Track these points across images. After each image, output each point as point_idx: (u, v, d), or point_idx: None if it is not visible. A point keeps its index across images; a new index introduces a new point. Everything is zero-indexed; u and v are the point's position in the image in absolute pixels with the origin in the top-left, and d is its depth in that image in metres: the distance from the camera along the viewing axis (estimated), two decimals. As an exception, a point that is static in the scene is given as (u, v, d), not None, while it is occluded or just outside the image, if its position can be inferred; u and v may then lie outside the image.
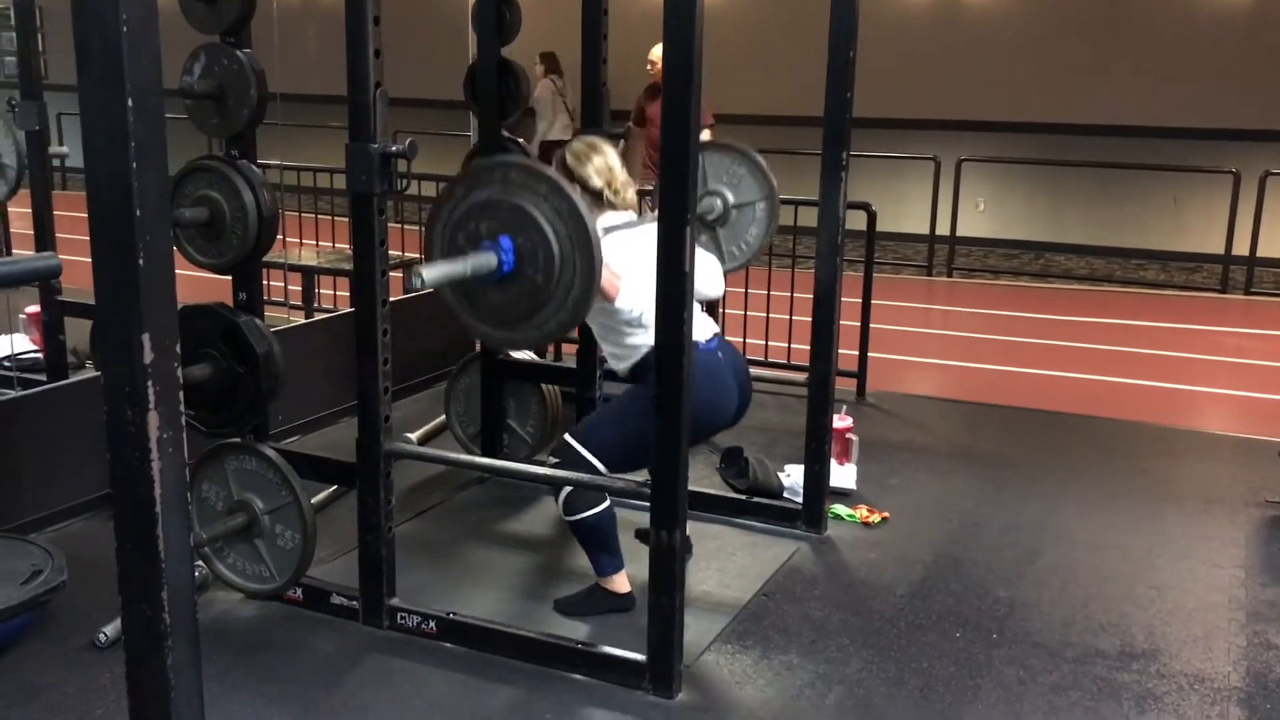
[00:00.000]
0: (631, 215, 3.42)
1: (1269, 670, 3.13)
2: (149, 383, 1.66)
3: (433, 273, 2.59)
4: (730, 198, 4.00)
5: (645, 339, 3.18)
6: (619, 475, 3.17)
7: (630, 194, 3.38)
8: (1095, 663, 3.15)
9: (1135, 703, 2.95)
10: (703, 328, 3.32)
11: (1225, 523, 4.13)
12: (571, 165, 3.33)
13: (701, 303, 3.37)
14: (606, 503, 3.21)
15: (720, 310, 5.51)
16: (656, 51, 7.04)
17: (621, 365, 3.36)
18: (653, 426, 2.80)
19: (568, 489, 3.19)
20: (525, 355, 4.62)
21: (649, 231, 3.26)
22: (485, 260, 2.69)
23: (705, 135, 7.05)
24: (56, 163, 7.36)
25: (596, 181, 3.31)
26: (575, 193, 2.69)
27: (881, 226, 5.96)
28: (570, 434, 3.28)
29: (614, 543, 3.30)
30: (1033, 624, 3.36)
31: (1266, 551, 3.91)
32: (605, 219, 3.34)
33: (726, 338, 5.81)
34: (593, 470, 3.19)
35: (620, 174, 3.37)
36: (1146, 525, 4.10)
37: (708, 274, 3.40)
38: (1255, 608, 3.49)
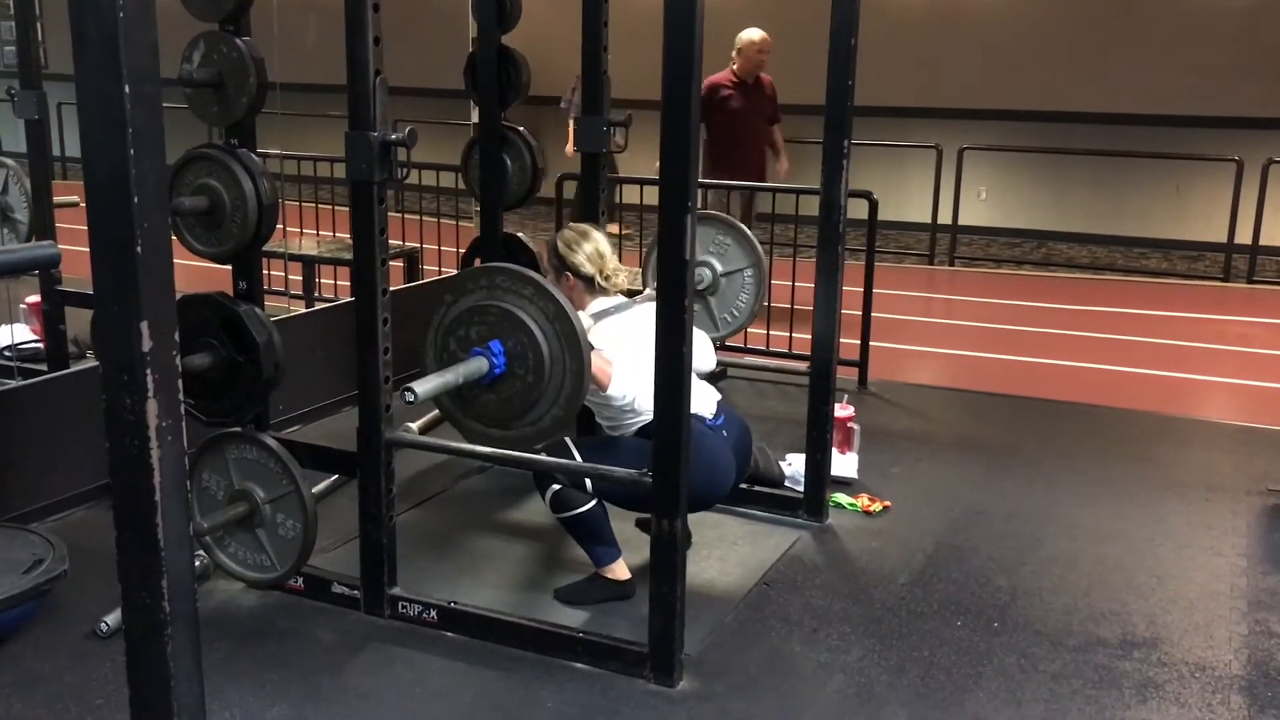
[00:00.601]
0: (621, 299, 3.47)
1: (1270, 658, 3.13)
2: (147, 371, 1.66)
3: (424, 388, 2.69)
4: (719, 267, 4.18)
5: (645, 419, 3.20)
6: (561, 493, 3.20)
7: (620, 279, 3.47)
8: (1096, 651, 3.15)
9: (1136, 691, 2.96)
10: (706, 400, 3.34)
11: (1227, 511, 4.13)
12: (563, 253, 3.42)
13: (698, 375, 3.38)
14: (594, 500, 3.22)
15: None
16: (752, 34, 6.81)
17: (627, 432, 3.35)
18: (655, 417, 2.80)
19: (555, 488, 3.20)
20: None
21: (640, 314, 3.30)
22: (476, 366, 2.79)
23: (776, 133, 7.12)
24: (56, 153, 7.37)
25: (588, 268, 3.40)
26: (560, 294, 2.78)
27: (883, 215, 5.94)
28: (569, 438, 3.30)
29: (608, 534, 3.30)
30: (1034, 612, 3.36)
31: (1268, 540, 3.90)
32: (596, 304, 3.39)
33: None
34: (582, 481, 3.22)
35: (610, 260, 3.45)
36: (1148, 514, 4.10)
37: (699, 348, 3.38)
38: (1257, 596, 3.49)
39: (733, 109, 6.81)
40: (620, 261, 3.54)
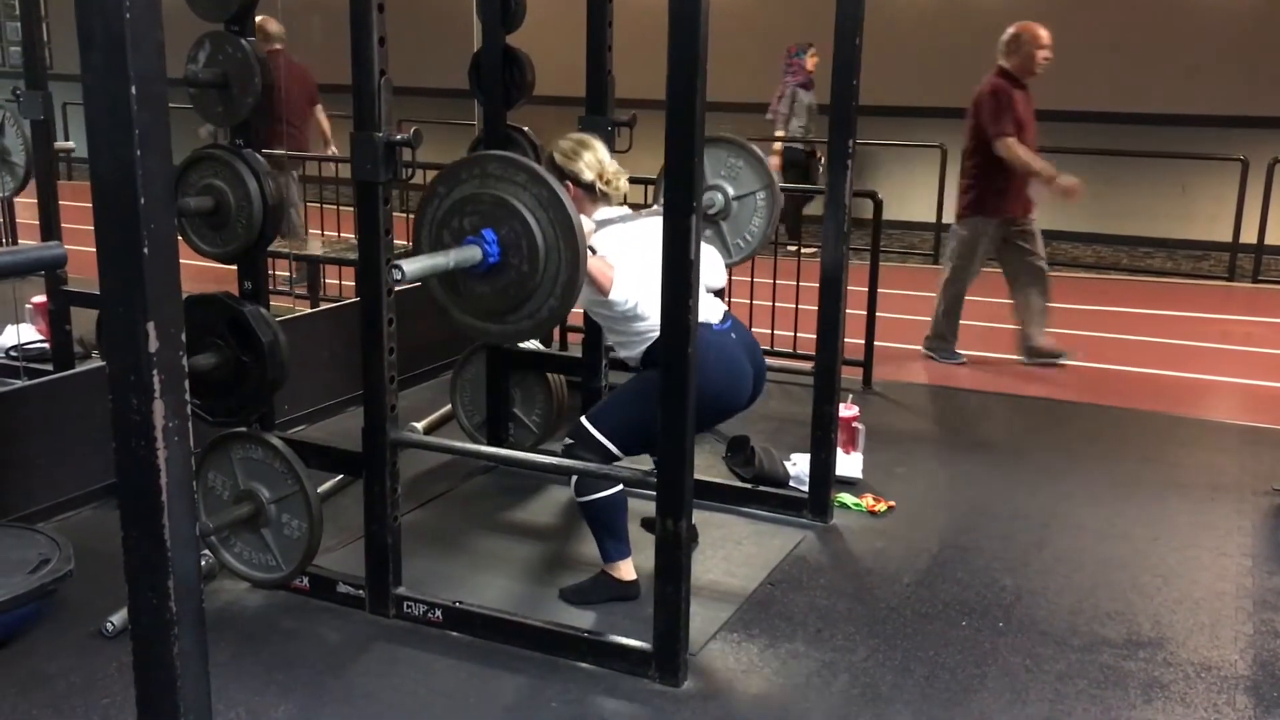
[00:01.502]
0: (627, 210, 3.43)
1: (1276, 658, 3.12)
2: (154, 371, 1.66)
3: (414, 266, 2.62)
4: (730, 190, 4.06)
5: (650, 327, 3.19)
6: (626, 464, 3.18)
7: (622, 183, 3.42)
8: (1102, 651, 3.14)
9: (1142, 691, 2.95)
10: (713, 309, 3.33)
11: (1232, 511, 4.12)
12: (561, 163, 3.38)
13: (707, 290, 3.39)
14: (618, 486, 3.22)
15: (726, 300, 5.49)
16: (1036, 27, 5.98)
17: (630, 354, 3.37)
18: (659, 415, 2.80)
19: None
20: (531, 345, 4.62)
21: (645, 223, 3.27)
22: (469, 254, 2.71)
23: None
24: (62, 154, 7.38)
25: (588, 175, 3.36)
26: (553, 179, 2.71)
27: (888, 215, 5.94)
28: (586, 417, 3.30)
29: (623, 529, 3.30)
30: (1039, 612, 3.36)
31: (1273, 540, 3.90)
32: (600, 213, 3.36)
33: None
34: (606, 451, 3.21)
35: (610, 165, 3.40)
36: (1153, 514, 4.10)
37: (709, 264, 3.41)
38: (1262, 596, 3.48)
39: (1022, 123, 5.81)
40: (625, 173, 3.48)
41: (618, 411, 3.28)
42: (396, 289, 3.10)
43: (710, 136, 4.13)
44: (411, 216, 7.17)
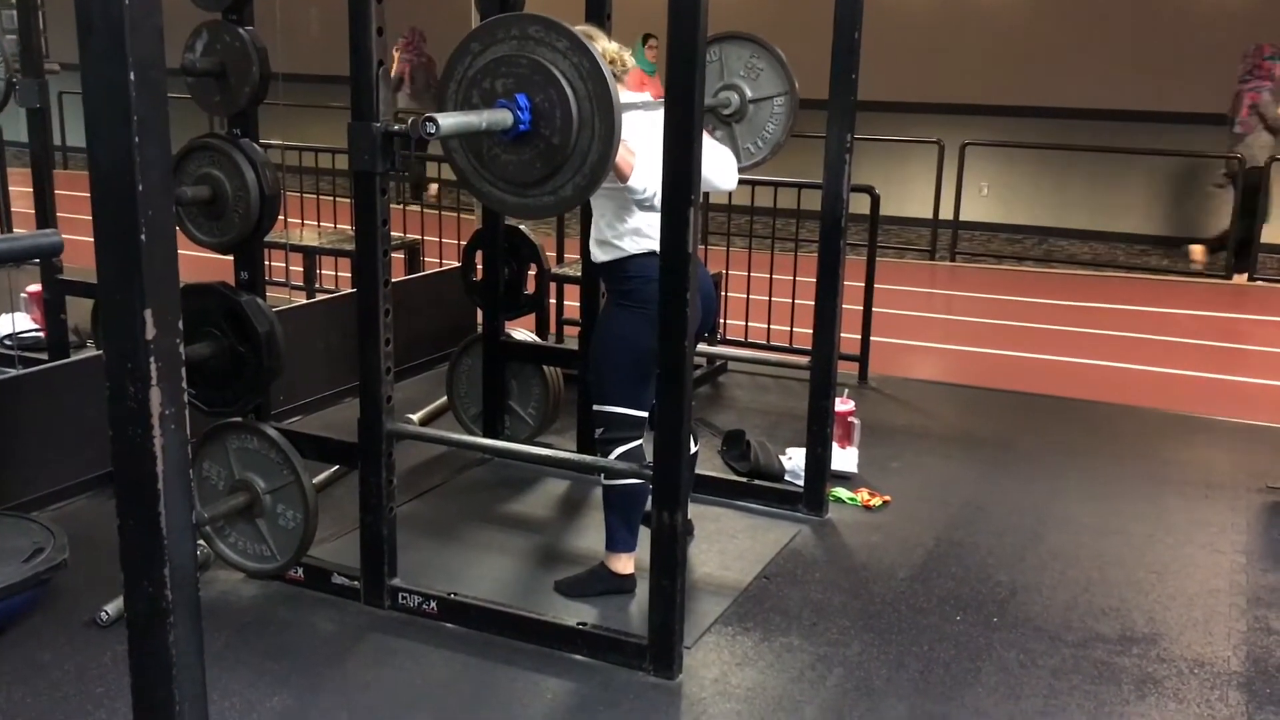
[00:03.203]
0: (646, 96, 3.35)
1: (1269, 655, 3.13)
2: (151, 359, 1.65)
3: (447, 121, 2.45)
4: (748, 92, 3.93)
5: (637, 238, 3.15)
6: (620, 461, 3.17)
7: (629, 58, 3.29)
8: (1095, 647, 3.15)
9: (1135, 687, 2.96)
10: None
11: (1226, 508, 4.13)
12: None
13: (712, 193, 3.31)
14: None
15: (723, 291, 5.49)
16: None
17: (602, 255, 3.28)
18: (658, 418, 2.79)
19: (619, 449, 3.19)
20: (527, 337, 4.61)
21: (663, 113, 3.18)
22: (500, 117, 2.56)
23: None
24: (57, 141, 7.36)
25: None
26: (598, 50, 2.57)
27: (885, 210, 5.94)
28: (594, 403, 3.29)
29: (636, 522, 3.29)
30: (1033, 608, 3.36)
31: (1267, 537, 3.91)
32: (620, 95, 3.25)
33: (729, 321, 5.81)
34: (630, 420, 3.21)
35: (613, 46, 3.25)
36: (1148, 510, 4.10)
37: (721, 165, 3.36)
38: (1256, 593, 3.49)
39: None
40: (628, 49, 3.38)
41: (610, 376, 3.24)
42: (394, 279, 3.10)
43: (732, 34, 4.03)
44: (408, 209, 7.15)
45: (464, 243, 4.59)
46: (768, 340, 5.78)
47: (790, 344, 5.68)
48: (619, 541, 3.31)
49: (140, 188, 1.60)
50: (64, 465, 3.81)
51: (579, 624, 3.07)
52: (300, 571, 3.30)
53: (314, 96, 8.27)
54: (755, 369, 5.67)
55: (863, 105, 3.80)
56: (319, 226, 6.95)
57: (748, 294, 5.74)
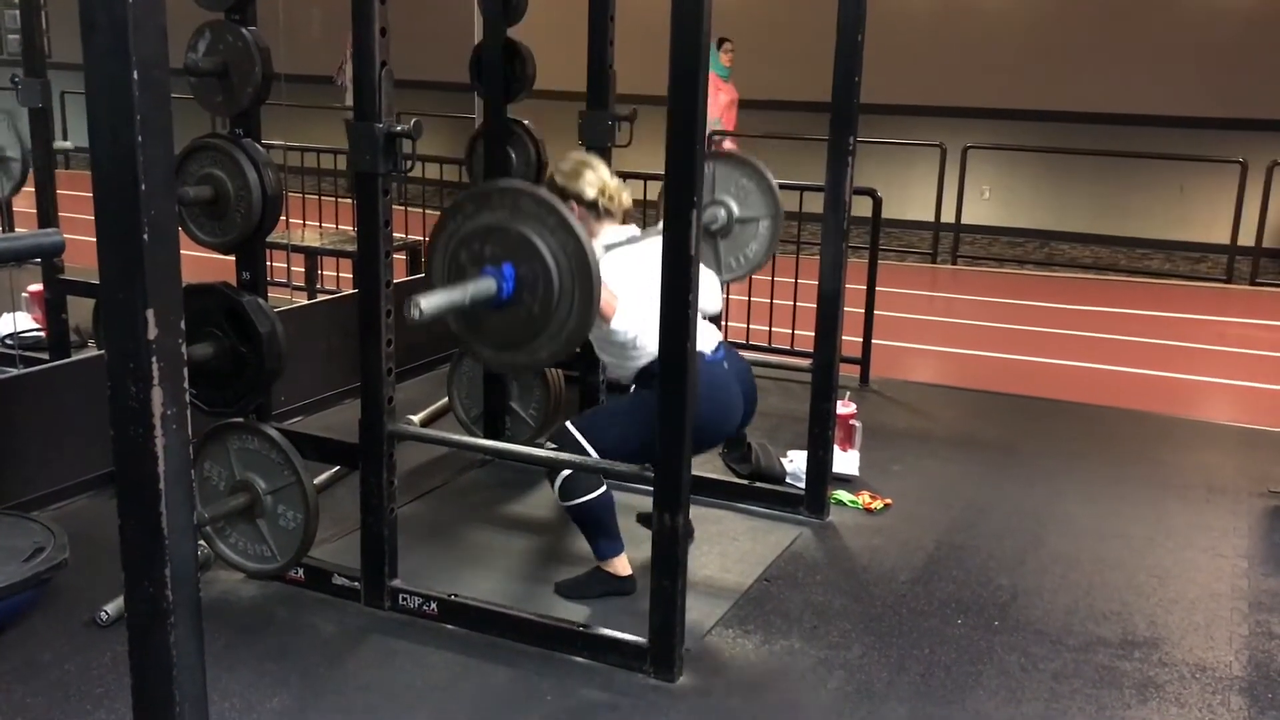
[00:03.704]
0: (634, 230, 3.44)
1: (1271, 660, 3.13)
2: (153, 358, 1.65)
3: (431, 303, 2.60)
4: (735, 210, 4.06)
5: (645, 353, 3.20)
6: (570, 481, 3.18)
7: (625, 199, 3.42)
8: (1097, 651, 3.14)
9: (1137, 691, 2.95)
10: (707, 338, 3.33)
11: (1228, 512, 4.13)
12: (563, 183, 3.38)
13: (702, 316, 3.38)
14: (603, 487, 3.22)
15: (724, 307, 5.49)
16: None
17: (622, 374, 3.37)
18: (657, 410, 2.79)
19: (564, 474, 3.20)
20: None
21: (651, 247, 3.26)
22: (485, 286, 2.72)
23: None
24: (59, 153, 7.34)
25: (591, 193, 3.36)
26: (583, 232, 2.71)
27: (887, 213, 5.94)
28: (572, 421, 3.29)
29: (613, 526, 3.30)
30: (1034, 611, 3.36)
31: (1269, 541, 3.90)
32: (606, 235, 3.37)
33: (731, 324, 5.80)
34: (586, 456, 3.21)
35: (612, 182, 3.41)
36: (1149, 514, 4.10)
37: (706, 289, 3.39)
38: (1257, 597, 3.49)
39: None
40: (627, 188, 3.48)
41: (605, 422, 3.26)
42: (396, 280, 3.10)
43: (728, 154, 4.17)
44: (410, 210, 7.15)
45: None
46: (769, 342, 5.78)
47: (792, 346, 5.67)
48: (603, 550, 3.32)
49: (143, 187, 1.59)
50: (64, 465, 3.81)
51: (579, 626, 3.07)
52: (301, 572, 3.30)
53: (316, 97, 8.28)
54: (757, 371, 5.62)
55: (865, 108, 3.80)
56: (320, 227, 6.95)
57: (749, 296, 5.74)
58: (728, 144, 9.18)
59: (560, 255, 2.69)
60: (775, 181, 4.03)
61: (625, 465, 3.05)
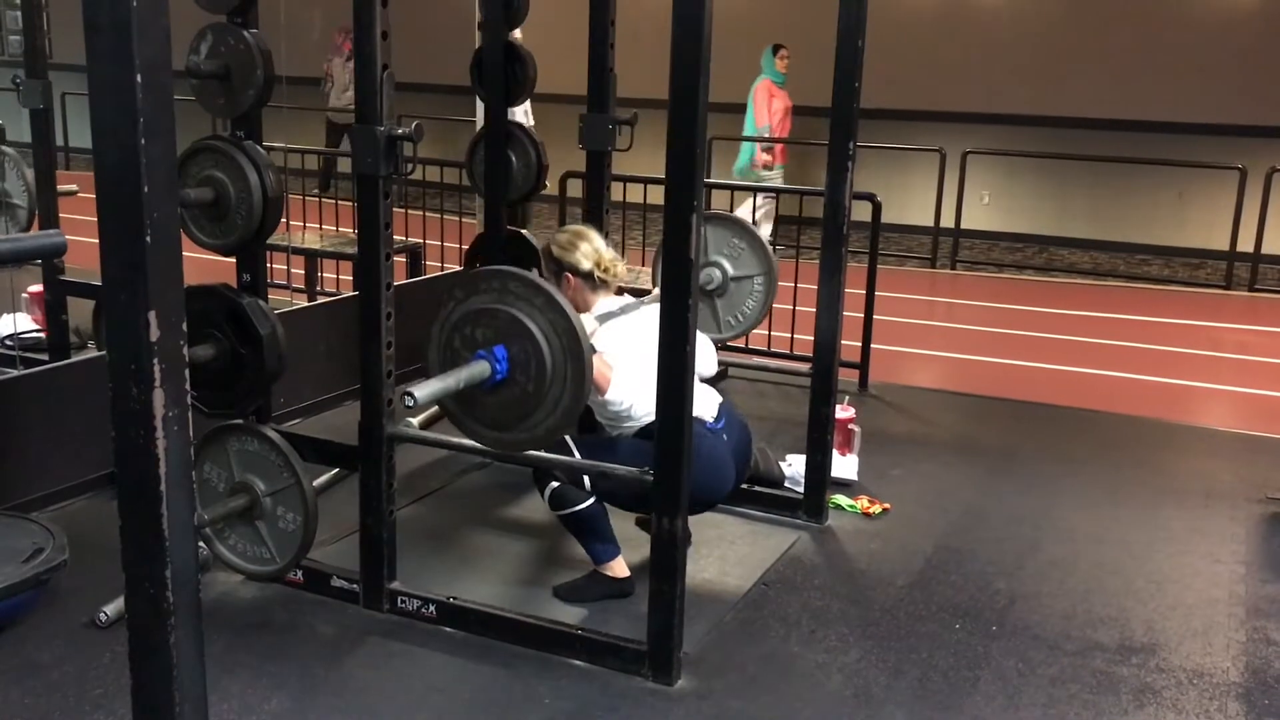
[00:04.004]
0: (627, 299, 3.47)
1: (1268, 666, 3.13)
2: (154, 360, 1.66)
3: (425, 392, 2.66)
4: (730, 270, 4.13)
5: (643, 418, 3.20)
6: (621, 465, 3.17)
7: (620, 270, 3.46)
8: (1094, 656, 3.15)
9: (1134, 696, 2.96)
10: (707, 404, 3.34)
11: (1226, 518, 4.13)
12: (559, 254, 3.42)
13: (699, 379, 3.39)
14: (593, 498, 3.22)
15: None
16: None
17: (628, 432, 3.35)
18: (656, 414, 2.80)
19: (553, 485, 3.21)
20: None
21: (645, 316, 3.29)
22: (479, 370, 2.78)
23: None
24: (60, 143, 7.36)
25: (586, 264, 3.40)
26: (571, 310, 2.76)
27: (886, 218, 5.95)
28: (569, 436, 3.29)
29: (607, 531, 3.30)
30: (1032, 616, 3.36)
31: (1267, 547, 3.91)
32: (600, 305, 3.40)
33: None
34: (580, 480, 3.22)
35: (607, 253, 3.44)
36: (1147, 520, 4.10)
37: (701, 352, 3.38)
38: (1255, 603, 3.49)
39: None
40: (622, 260, 3.53)
41: (601, 451, 3.24)
42: (395, 285, 3.10)
43: (718, 215, 4.23)
44: (410, 212, 7.16)
45: (466, 247, 4.59)
46: (769, 346, 5.78)
47: (791, 350, 5.68)
48: (599, 554, 3.33)
49: (146, 189, 1.60)
50: (64, 466, 3.81)
51: (578, 629, 3.07)
52: (300, 574, 3.30)
53: (317, 99, 8.29)
54: (756, 375, 5.68)
55: (865, 113, 3.81)
56: (321, 229, 6.95)
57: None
58: (777, 152, 9.14)
59: (551, 333, 2.76)
60: (766, 239, 4.14)
61: (624, 469, 3.06)
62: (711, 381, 3.63)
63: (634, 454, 3.07)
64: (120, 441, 1.71)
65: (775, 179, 9.03)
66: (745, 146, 9.13)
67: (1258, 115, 9.42)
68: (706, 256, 4.05)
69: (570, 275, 3.40)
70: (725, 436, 3.37)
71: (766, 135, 8.90)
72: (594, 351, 2.93)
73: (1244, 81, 9.47)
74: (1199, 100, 9.56)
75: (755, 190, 8.28)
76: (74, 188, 5.96)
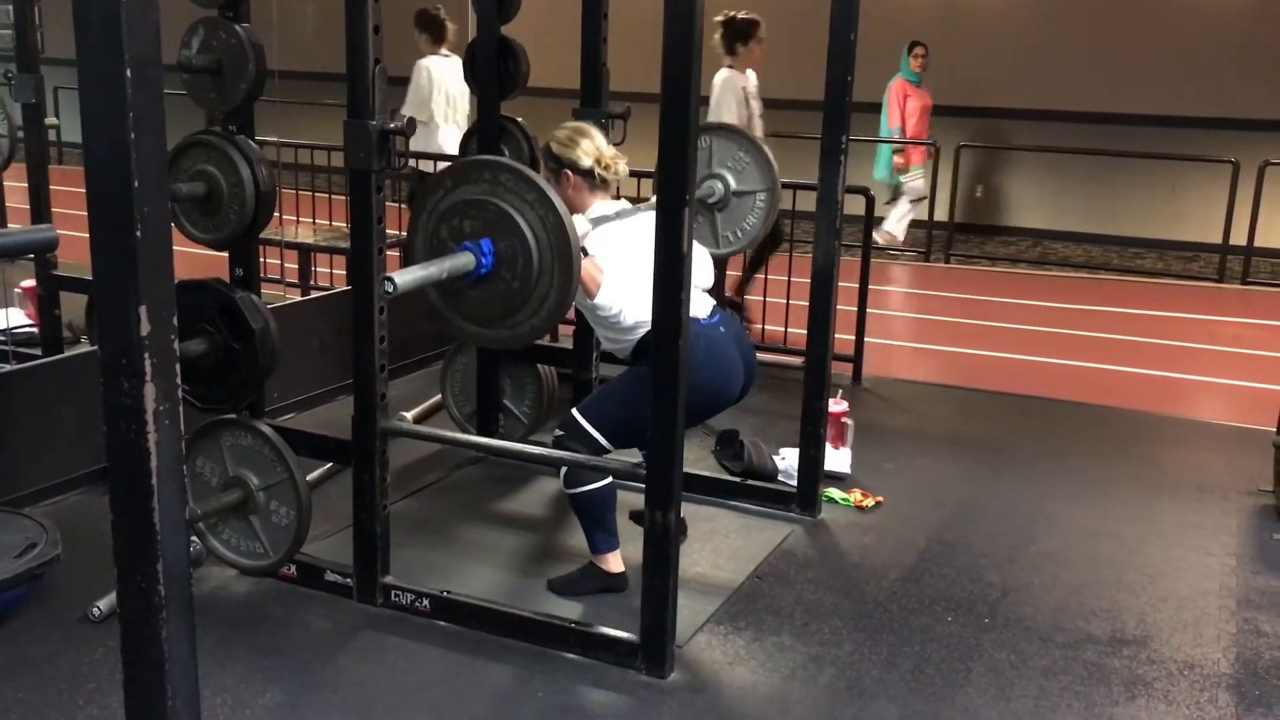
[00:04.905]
0: (624, 204, 3.42)
1: (1258, 657, 3.15)
2: (145, 355, 1.66)
3: (405, 278, 2.62)
4: (732, 183, 4.04)
5: (637, 326, 3.20)
6: (615, 456, 3.18)
7: (621, 167, 3.38)
8: (1086, 648, 3.16)
9: (1125, 688, 2.97)
10: (701, 304, 3.33)
11: (1217, 511, 4.14)
12: (559, 151, 3.36)
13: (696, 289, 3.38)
14: (608, 479, 3.22)
15: (721, 293, 5.50)
16: None
17: (618, 348, 3.37)
18: (649, 408, 2.80)
19: (571, 456, 3.21)
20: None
21: (641, 222, 3.26)
22: (463, 261, 2.72)
23: None
24: (51, 135, 7.32)
25: (587, 161, 3.33)
26: (562, 206, 2.71)
27: (880, 211, 5.94)
28: (577, 408, 3.31)
29: (611, 521, 3.31)
30: (1024, 609, 3.37)
31: (1258, 540, 3.92)
32: (597, 206, 3.34)
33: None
34: (596, 443, 3.22)
35: (608, 150, 3.38)
36: (1140, 512, 4.12)
37: (698, 264, 3.39)
38: (1246, 595, 3.50)
39: None
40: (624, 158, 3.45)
41: (608, 405, 3.28)
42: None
43: (724, 126, 4.14)
44: (404, 206, 7.12)
45: (459, 241, 4.59)
46: (762, 340, 5.78)
47: (785, 344, 5.69)
48: (599, 544, 3.33)
49: (136, 184, 1.60)
50: (57, 461, 3.81)
51: (571, 622, 3.08)
52: (293, 568, 3.31)
53: (310, 93, 8.26)
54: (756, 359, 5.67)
55: (858, 106, 3.81)
56: (314, 224, 6.94)
57: (742, 294, 5.75)
58: (911, 153, 9.13)
59: (540, 230, 2.69)
60: (771, 154, 4.02)
61: (618, 462, 3.06)
62: (713, 291, 3.58)
63: (637, 393, 3.05)
64: (112, 436, 1.71)
65: (915, 180, 9.07)
66: (881, 157, 9.13)
67: (1251, 109, 9.43)
68: (710, 168, 3.99)
69: (570, 172, 3.32)
70: (722, 329, 3.34)
71: (899, 136, 8.94)
72: (586, 254, 2.90)
73: (1237, 75, 9.48)
74: (1192, 94, 9.57)
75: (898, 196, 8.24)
76: (55, 120, 5.87)
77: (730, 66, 5.68)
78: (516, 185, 2.72)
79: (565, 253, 2.69)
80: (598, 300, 3.13)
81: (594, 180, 3.34)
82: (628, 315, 3.17)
